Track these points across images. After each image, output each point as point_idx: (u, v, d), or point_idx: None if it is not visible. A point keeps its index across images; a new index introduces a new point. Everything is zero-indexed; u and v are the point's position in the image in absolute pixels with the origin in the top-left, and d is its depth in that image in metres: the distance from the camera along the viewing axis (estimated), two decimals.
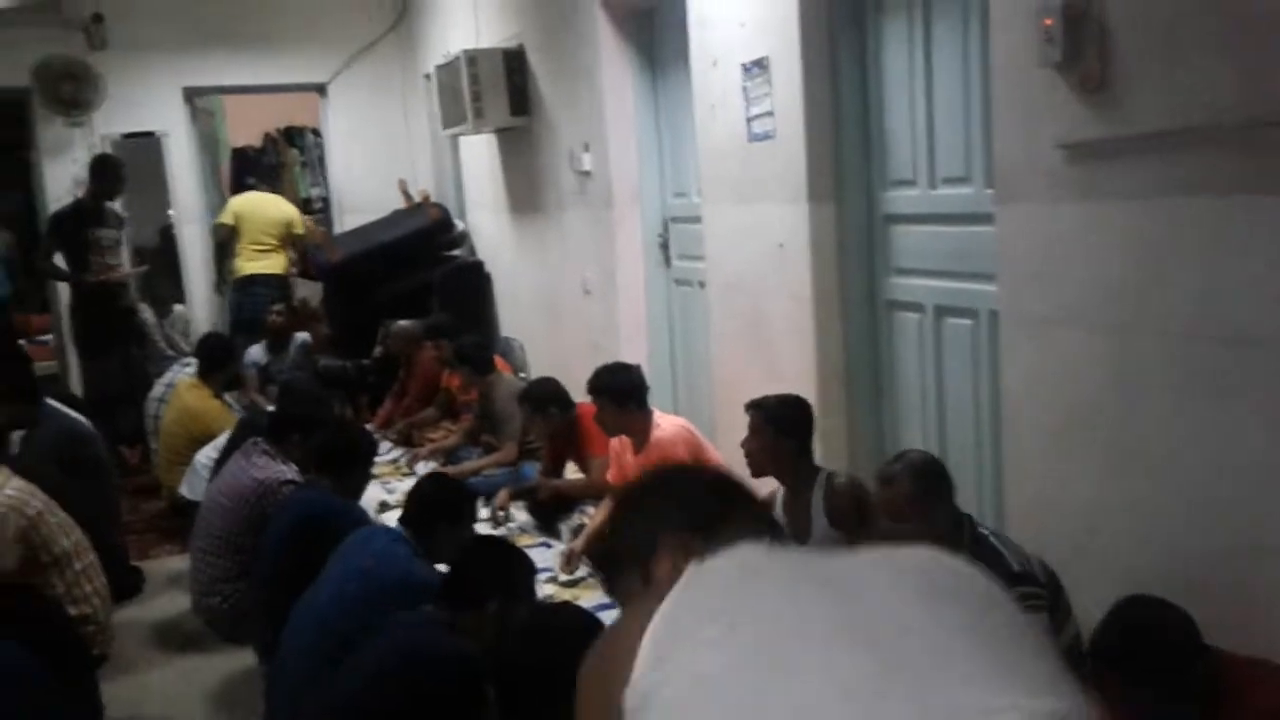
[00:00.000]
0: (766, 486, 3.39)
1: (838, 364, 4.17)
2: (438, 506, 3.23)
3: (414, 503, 3.33)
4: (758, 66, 4.28)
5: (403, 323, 6.62)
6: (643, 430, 4.08)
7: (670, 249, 5.67)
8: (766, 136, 4.31)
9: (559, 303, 6.52)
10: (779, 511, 3.37)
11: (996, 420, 3.37)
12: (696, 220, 5.11)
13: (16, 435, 5.00)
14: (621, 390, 4.09)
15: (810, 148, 4.04)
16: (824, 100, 4.02)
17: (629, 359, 5.22)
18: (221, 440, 5.04)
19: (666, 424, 4.09)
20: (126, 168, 7.06)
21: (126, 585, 4.61)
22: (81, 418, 5.28)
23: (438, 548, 3.11)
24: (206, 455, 5.10)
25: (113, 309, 6.89)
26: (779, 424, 3.31)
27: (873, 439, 4.18)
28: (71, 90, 8.04)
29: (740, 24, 4.38)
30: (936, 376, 3.80)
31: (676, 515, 1.50)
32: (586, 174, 5.90)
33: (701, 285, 5.15)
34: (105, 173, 6.86)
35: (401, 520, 3.26)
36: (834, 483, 3.26)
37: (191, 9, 8.31)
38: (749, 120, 4.40)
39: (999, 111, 3.06)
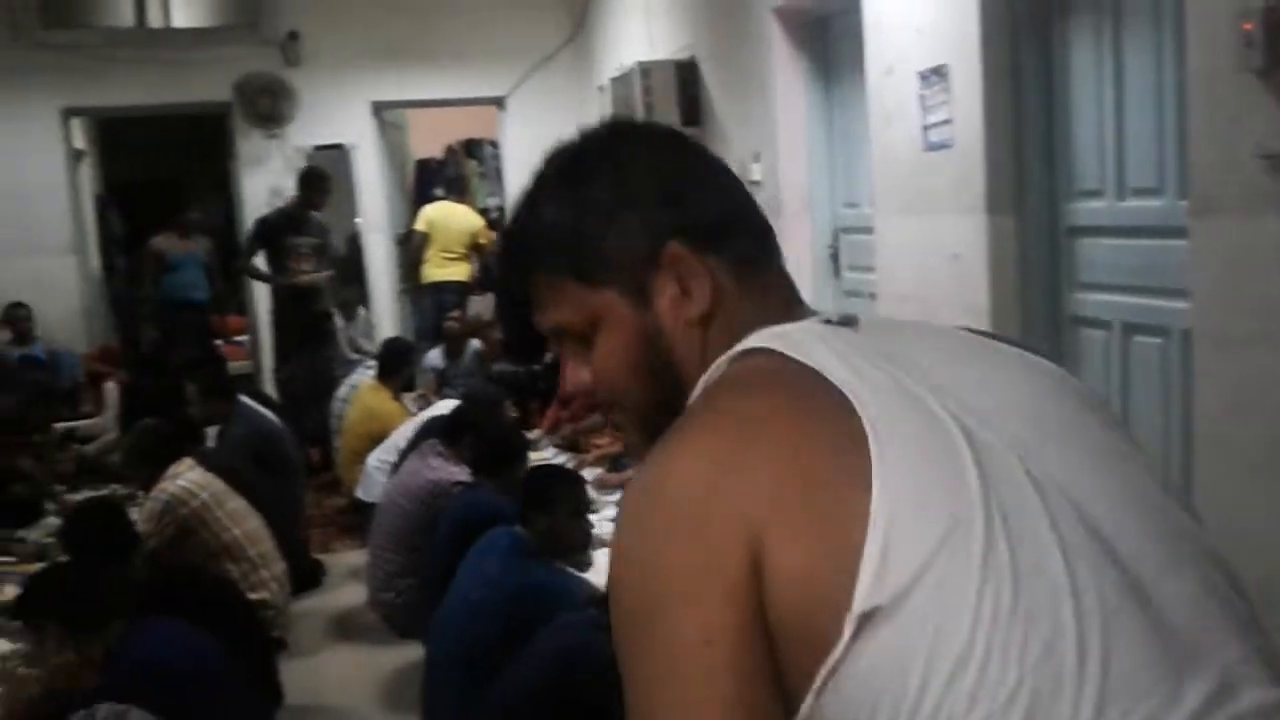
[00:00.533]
0: None
1: None
2: (555, 499, 3.22)
3: (530, 496, 3.33)
4: (935, 74, 4.17)
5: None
6: None
7: (840, 260, 5.58)
8: (943, 145, 4.19)
9: None
10: None
11: (1188, 446, 3.18)
12: (868, 231, 5.02)
13: (211, 430, 5.32)
14: None
15: (989, 157, 3.91)
16: (1005, 107, 3.89)
17: None
18: (392, 443, 5.25)
19: None
20: (331, 180, 7.28)
21: (308, 576, 4.81)
22: (273, 416, 5.56)
23: (555, 540, 3.12)
24: (377, 458, 5.31)
25: (307, 313, 7.08)
26: None
27: None
28: (269, 104, 8.50)
29: (918, 30, 4.28)
30: (1123, 397, 3.61)
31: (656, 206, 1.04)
32: (756, 184, 5.87)
33: (872, 297, 5.05)
34: (312, 183, 7.08)
35: (520, 516, 3.26)
36: None
37: (381, 27, 8.67)
38: (925, 129, 4.29)
39: (1194, 119, 2.89)
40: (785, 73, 5.57)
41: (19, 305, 7.71)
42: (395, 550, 4.09)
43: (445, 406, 5.46)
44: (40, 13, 8.16)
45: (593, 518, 5.09)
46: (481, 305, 8.40)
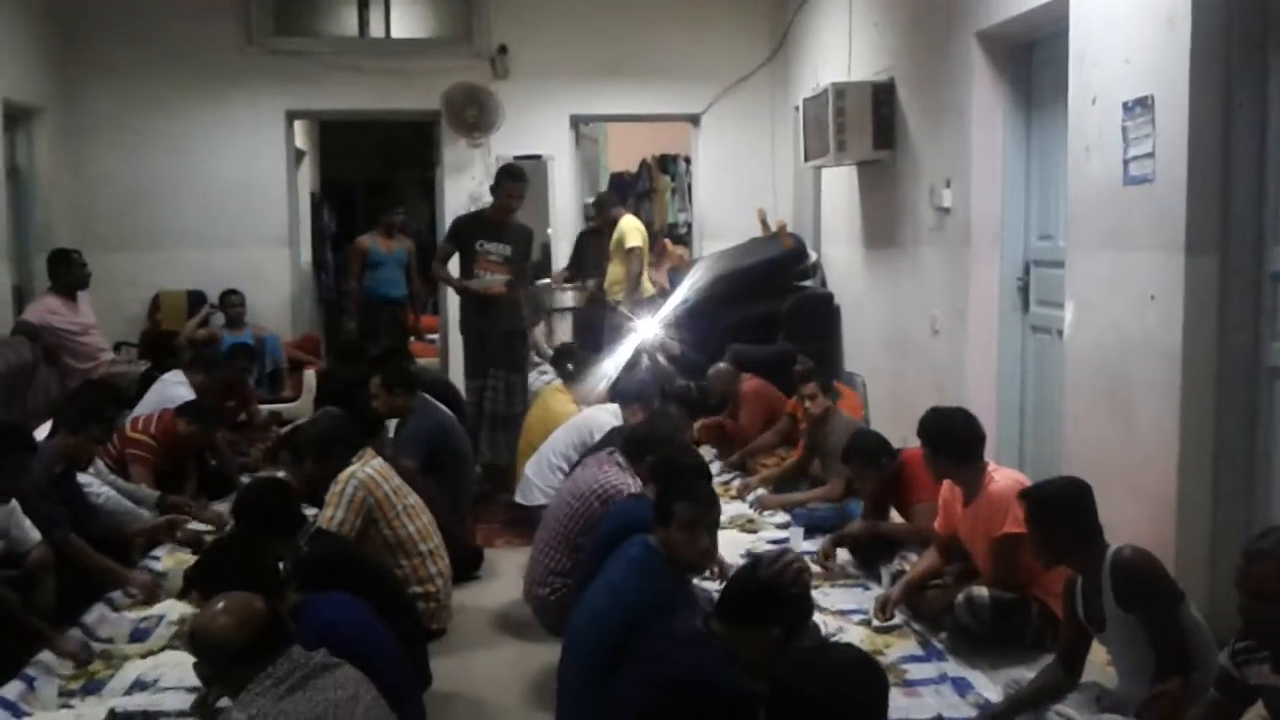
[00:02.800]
0: None
1: (1206, 432, 3.78)
2: (674, 514, 3.19)
3: (656, 507, 3.31)
4: (1140, 105, 3.99)
5: (720, 365, 6.74)
6: (975, 482, 3.89)
7: (1030, 293, 5.38)
8: (1144, 180, 4.00)
9: (906, 340, 6.36)
10: (1077, 598, 3.13)
11: None
12: (1060, 265, 4.83)
13: (391, 423, 5.55)
14: (956, 441, 3.91)
15: (1192, 193, 3.71)
16: (1213, 142, 3.68)
17: (974, 405, 5.00)
18: (549, 452, 5.41)
19: (1001, 477, 3.87)
20: (527, 178, 6.57)
21: (468, 567, 4.95)
22: (449, 412, 5.76)
23: (673, 553, 3.09)
24: (532, 466, 5.44)
25: (493, 327, 6.41)
26: (1043, 516, 3.11)
27: (1241, 516, 3.76)
28: (475, 115, 8.83)
29: (1125, 60, 4.10)
30: None
31: None
32: (946, 210, 5.73)
33: (1060, 334, 4.84)
34: (502, 179, 6.48)
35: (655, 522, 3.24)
36: (1118, 558, 2.97)
37: (584, 43, 8.90)
38: (1126, 162, 4.11)
39: None
40: (984, 98, 5.42)
41: (233, 292, 8.25)
42: (557, 547, 4.16)
43: (608, 411, 5.56)
44: (272, 20, 8.74)
45: (749, 537, 5.12)
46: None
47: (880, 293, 6.84)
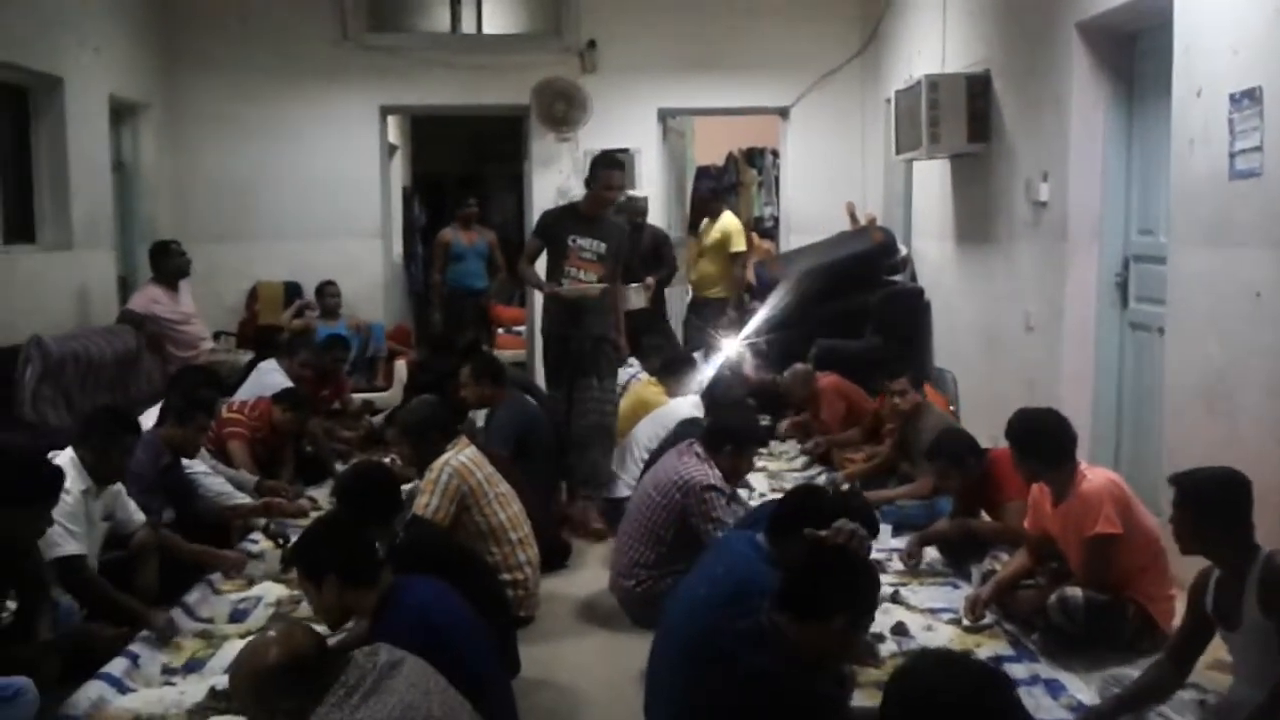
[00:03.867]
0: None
1: None
2: (806, 515, 3.18)
3: (783, 508, 3.31)
4: (1248, 97, 3.87)
5: (797, 366, 6.70)
6: (1065, 482, 3.81)
7: (1129, 289, 5.26)
8: (1251, 174, 3.88)
9: (998, 336, 6.25)
10: (1210, 592, 3.03)
11: None
12: (1161, 261, 4.71)
13: (480, 413, 5.63)
14: (1045, 443, 3.84)
15: None
16: None
17: (1069, 404, 4.92)
18: (632, 444, 5.52)
19: (1094, 476, 3.79)
20: (625, 168, 6.00)
21: (555, 557, 5.00)
22: (535, 402, 5.82)
23: (792, 553, 3.07)
24: (616, 458, 5.51)
25: (578, 333, 5.70)
26: (1201, 506, 2.98)
27: None
28: (563, 109, 8.89)
29: (1233, 51, 3.98)
30: None
31: None
32: (1042, 204, 5.62)
33: (1161, 332, 4.73)
34: (598, 168, 5.76)
35: (767, 525, 3.24)
36: (1271, 564, 2.87)
37: (673, 37, 8.90)
38: (1232, 156, 3.99)
39: None
40: (1084, 90, 5.30)
41: (329, 283, 8.43)
42: (641, 540, 4.19)
43: (688, 403, 5.59)
44: (367, 16, 8.90)
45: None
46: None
47: (973, 288, 6.73)
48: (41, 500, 3.50)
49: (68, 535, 3.78)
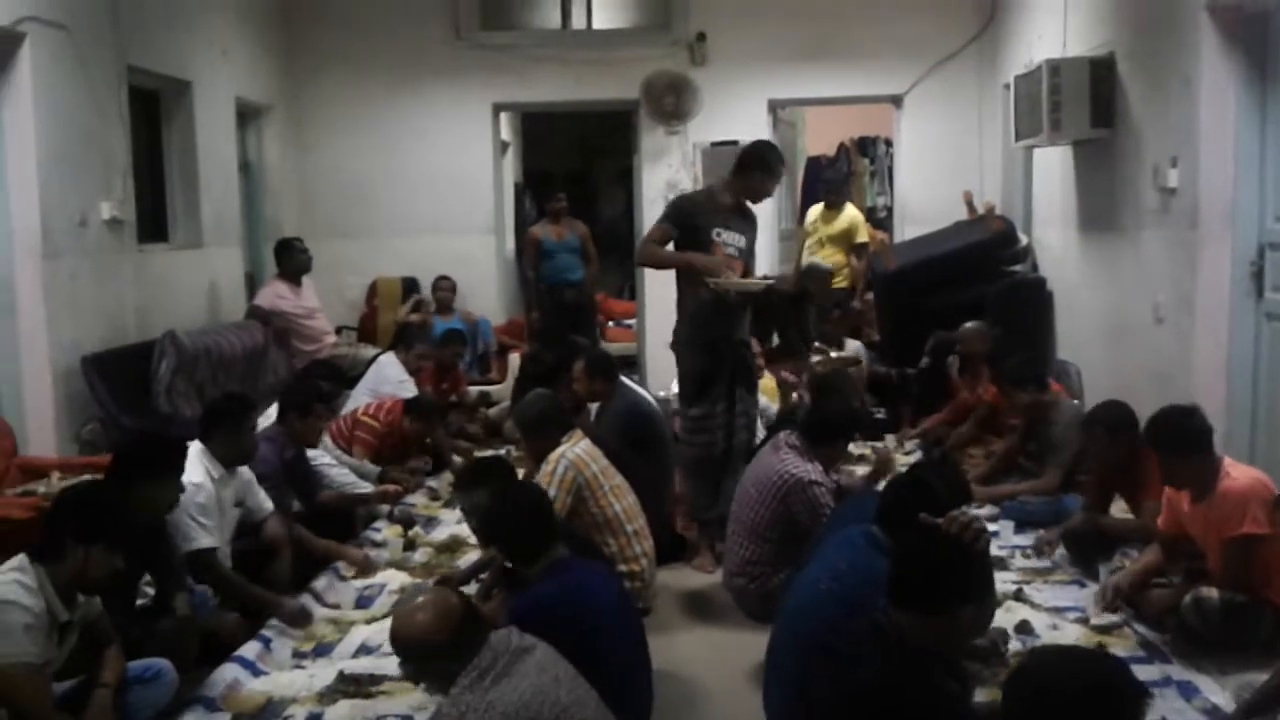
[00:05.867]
0: None
1: None
2: (918, 504, 3.11)
3: (891, 500, 3.24)
4: None
5: (974, 323, 6.53)
6: (1205, 479, 3.67)
7: (1264, 278, 5.04)
8: None
9: (1125, 328, 6.05)
10: None
11: None
12: None
13: (593, 407, 5.68)
14: (1182, 439, 3.70)
15: None
16: None
17: (1202, 398, 4.75)
18: None
19: (1239, 475, 3.65)
20: (777, 159, 5.27)
21: (671, 550, 5.01)
22: (649, 397, 5.84)
23: None
24: None
25: (726, 339, 5.11)
26: None
27: None
28: (673, 102, 8.89)
29: None
30: None
31: None
32: (1171, 191, 5.42)
33: None
34: (756, 161, 5.14)
35: (878, 516, 3.20)
36: None
37: (782, 27, 8.83)
38: None
39: None
40: (1214, 72, 5.10)
41: (444, 278, 8.59)
42: (748, 538, 4.15)
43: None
44: (479, 15, 9.03)
45: None
46: (863, 307, 8.37)
47: (1097, 278, 6.53)
48: (169, 471, 3.67)
49: (200, 529, 3.92)
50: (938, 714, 2.32)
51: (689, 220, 5.05)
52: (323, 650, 3.96)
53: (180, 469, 3.77)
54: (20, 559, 3.01)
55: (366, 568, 4.74)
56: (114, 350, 5.97)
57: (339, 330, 8.35)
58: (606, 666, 2.63)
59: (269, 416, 5.23)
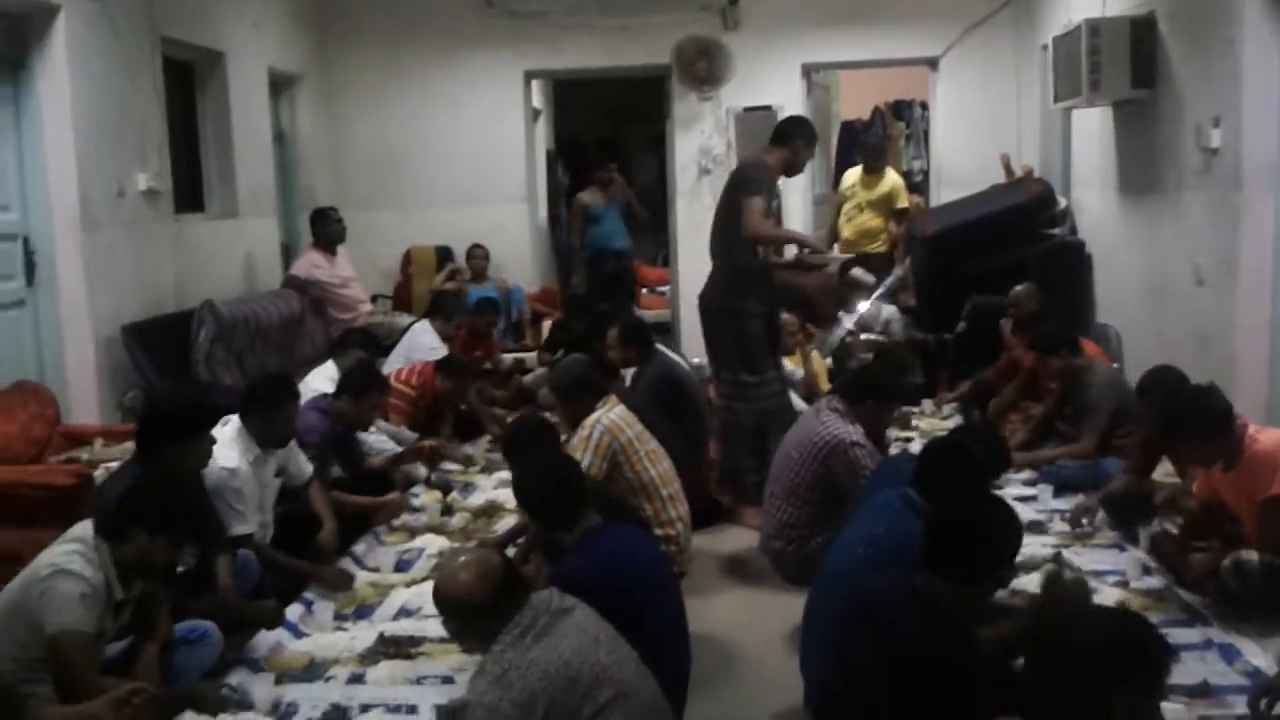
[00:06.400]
0: None
1: None
2: (953, 472, 3.10)
3: (929, 464, 3.22)
4: None
5: (1025, 284, 6.47)
6: (1234, 449, 3.63)
7: None
8: None
9: (1165, 291, 5.97)
10: None
11: None
12: None
13: (627, 373, 5.69)
14: (1204, 423, 3.65)
15: None
16: None
17: (1244, 360, 4.71)
18: None
19: (1265, 438, 3.62)
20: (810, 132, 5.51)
21: (706, 515, 5.03)
22: (683, 362, 5.85)
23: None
24: None
25: (774, 303, 5.39)
26: None
27: None
28: (705, 68, 8.82)
29: None
30: None
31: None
32: (1213, 152, 5.33)
33: None
34: (790, 132, 5.37)
35: (914, 479, 3.17)
36: None
37: None
38: None
39: None
40: (1257, 30, 5.01)
41: (477, 246, 8.61)
42: (787, 500, 4.16)
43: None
44: None
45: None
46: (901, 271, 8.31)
47: (1137, 240, 6.44)
48: (195, 433, 3.70)
49: (237, 515, 3.94)
50: (976, 677, 2.32)
51: (772, 191, 5.21)
52: (363, 613, 4.02)
53: (207, 429, 3.79)
54: (86, 529, 3.06)
55: (397, 511, 4.93)
56: (153, 319, 6.04)
57: (374, 299, 8.40)
58: (645, 630, 2.65)
59: (308, 385, 5.28)
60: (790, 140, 5.24)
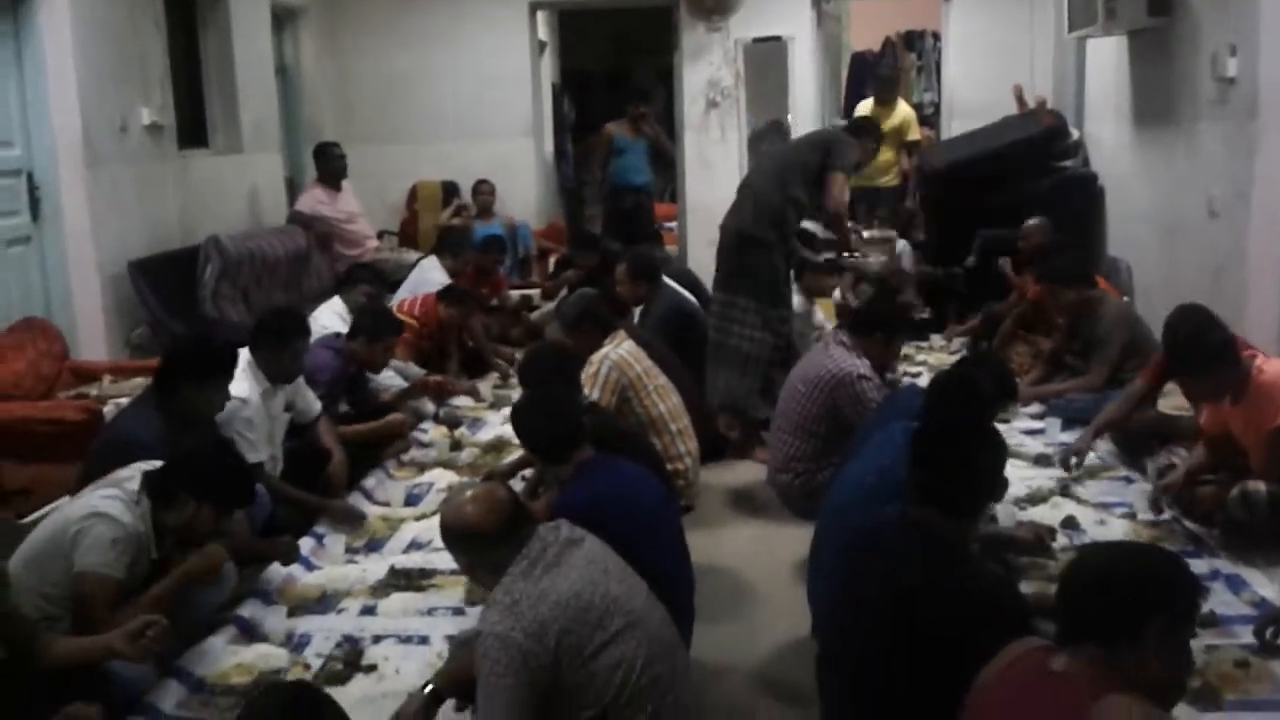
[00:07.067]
0: None
1: None
2: (960, 404, 3.08)
3: (936, 396, 3.20)
4: None
5: (1036, 219, 6.42)
6: (1240, 380, 3.61)
7: None
8: None
9: (1179, 223, 5.91)
10: None
11: None
12: None
13: (637, 309, 5.67)
14: (1207, 357, 3.62)
15: None
16: None
17: (1257, 292, 4.67)
18: None
19: (1270, 368, 3.60)
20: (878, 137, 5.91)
21: (713, 449, 5.04)
22: (691, 297, 5.82)
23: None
24: None
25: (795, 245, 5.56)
26: None
27: None
28: None
29: None
30: None
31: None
32: (1230, 81, 5.23)
33: None
34: (864, 131, 5.79)
35: (922, 412, 3.14)
36: None
37: None
38: None
39: None
40: None
41: (484, 182, 8.55)
42: (794, 434, 4.16)
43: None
44: None
45: (1000, 428, 4.96)
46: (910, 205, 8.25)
47: (1151, 172, 6.36)
48: (216, 376, 3.68)
49: (247, 444, 3.92)
50: (991, 597, 2.32)
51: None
52: (374, 546, 4.05)
53: (228, 374, 3.77)
54: (132, 478, 3.05)
55: (404, 426, 5.00)
56: (159, 255, 6.02)
57: (380, 235, 8.35)
58: (644, 559, 2.64)
59: (315, 320, 5.26)
60: (861, 137, 5.50)
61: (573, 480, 2.95)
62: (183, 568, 3.11)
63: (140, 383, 4.93)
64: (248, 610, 3.41)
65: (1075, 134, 7.54)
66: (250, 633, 3.30)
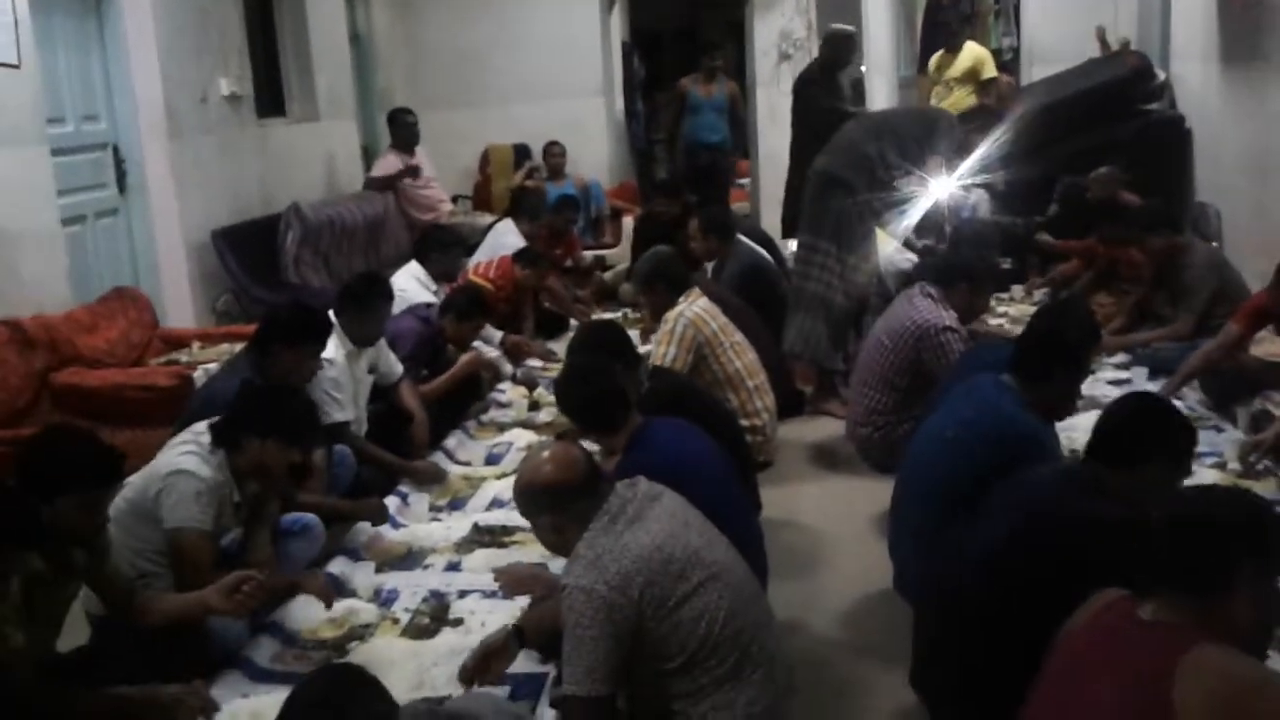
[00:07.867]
0: None
1: None
2: (1055, 352, 3.03)
3: (1030, 345, 3.13)
4: None
5: (1103, 169, 6.26)
6: None
7: None
8: None
9: (1271, 167, 5.70)
10: None
11: None
12: None
13: (709, 264, 5.65)
14: None
15: None
16: None
17: None
18: None
19: None
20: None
21: (791, 404, 5.02)
22: (765, 254, 5.78)
23: (1044, 394, 2.96)
24: None
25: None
26: None
27: None
28: None
29: None
30: None
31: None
32: None
33: None
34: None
35: (1013, 363, 3.10)
36: None
37: None
38: None
39: None
40: None
41: (554, 143, 8.55)
42: (876, 387, 4.13)
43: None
44: None
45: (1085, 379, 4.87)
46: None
47: (1241, 113, 6.14)
48: (309, 342, 3.72)
49: (334, 403, 4.00)
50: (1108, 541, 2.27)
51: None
52: (457, 504, 4.12)
53: (322, 341, 3.80)
54: (202, 431, 3.12)
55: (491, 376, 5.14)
56: (241, 224, 6.15)
57: (454, 199, 8.42)
58: (709, 513, 2.63)
59: (394, 284, 5.30)
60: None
61: (627, 449, 2.95)
62: (260, 529, 3.20)
63: (227, 349, 5.06)
64: (337, 567, 3.50)
65: (1161, 75, 7.30)
66: (340, 589, 3.38)
